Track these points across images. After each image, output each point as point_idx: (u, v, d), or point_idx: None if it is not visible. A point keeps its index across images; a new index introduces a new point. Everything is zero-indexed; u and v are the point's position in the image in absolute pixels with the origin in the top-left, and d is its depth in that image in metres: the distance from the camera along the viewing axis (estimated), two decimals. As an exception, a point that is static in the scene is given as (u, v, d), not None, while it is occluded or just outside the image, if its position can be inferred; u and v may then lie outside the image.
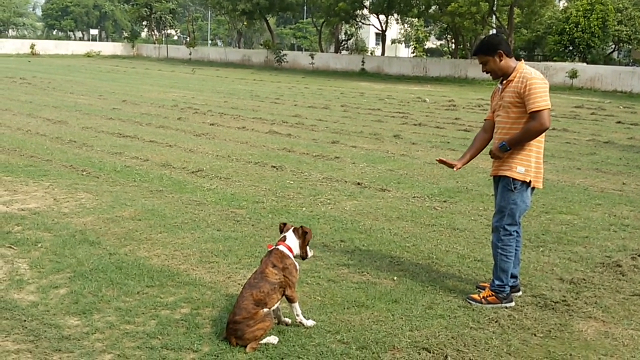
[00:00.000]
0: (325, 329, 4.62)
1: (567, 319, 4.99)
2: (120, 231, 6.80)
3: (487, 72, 5.29)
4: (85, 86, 26.49)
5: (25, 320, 4.60)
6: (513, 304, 5.24)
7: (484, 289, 5.42)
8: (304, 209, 7.98)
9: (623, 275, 5.95)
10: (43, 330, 4.46)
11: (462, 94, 29.35)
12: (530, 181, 5.13)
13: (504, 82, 5.22)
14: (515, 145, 5.09)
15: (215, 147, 12.36)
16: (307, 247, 4.86)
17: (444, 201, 8.61)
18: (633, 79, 33.33)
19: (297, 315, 4.63)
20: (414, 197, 8.80)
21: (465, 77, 40.19)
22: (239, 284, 5.39)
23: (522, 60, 5.25)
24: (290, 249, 4.70)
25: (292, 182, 9.50)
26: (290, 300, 4.59)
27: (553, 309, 5.16)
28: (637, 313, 5.13)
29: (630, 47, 47.58)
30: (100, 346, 4.28)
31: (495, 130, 5.36)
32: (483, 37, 5.43)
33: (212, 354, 4.21)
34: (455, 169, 5.55)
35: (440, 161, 5.55)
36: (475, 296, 5.30)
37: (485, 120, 5.59)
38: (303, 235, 4.79)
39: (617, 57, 50.81)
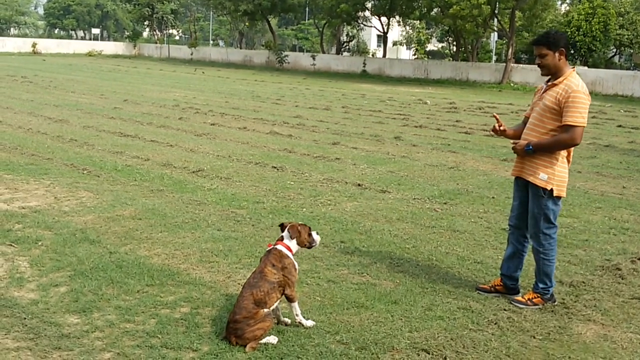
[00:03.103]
0: (325, 329, 4.62)
1: (566, 321, 5.00)
2: (121, 230, 6.81)
3: (540, 66, 5.19)
4: (86, 85, 26.49)
5: (25, 318, 4.61)
6: (556, 303, 5.31)
7: (483, 291, 5.44)
8: (304, 209, 7.99)
9: (622, 279, 5.96)
10: (43, 328, 4.47)
11: (463, 97, 29.35)
12: (552, 189, 5.10)
13: (549, 83, 5.17)
14: (541, 150, 5.10)
15: (216, 147, 12.37)
16: (309, 237, 4.85)
17: (444, 203, 8.62)
18: (634, 83, 33.32)
19: (297, 315, 4.63)
20: (414, 198, 8.81)
21: (467, 80, 40.20)
22: (239, 283, 5.39)
23: (574, 68, 5.18)
24: (288, 248, 4.71)
25: (292, 182, 9.51)
26: (290, 300, 4.60)
27: (552, 311, 5.17)
28: (636, 316, 5.14)
29: (632, 51, 47.62)
30: (100, 344, 4.29)
31: (525, 128, 5.34)
32: (550, 30, 5.35)
33: (212, 353, 4.22)
34: (501, 128, 5.43)
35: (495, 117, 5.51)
36: (520, 298, 5.32)
37: (525, 116, 5.53)
38: (296, 234, 4.79)
39: (619, 61, 50.86)
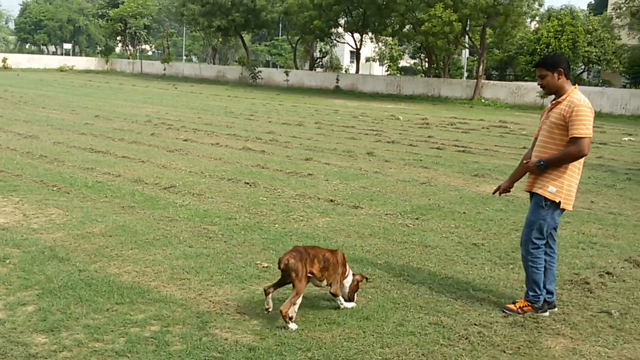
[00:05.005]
0: (296, 346, 4.61)
1: (536, 335, 5.04)
2: (91, 247, 6.74)
3: (541, 86, 5.48)
4: (57, 101, 26.25)
5: (-9, 338, 4.53)
6: (547, 313, 5.43)
7: None
8: (276, 225, 7.98)
9: (591, 293, 6.03)
10: (10, 348, 4.39)
11: (435, 112, 29.62)
12: (559, 202, 5.31)
13: (554, 102, 5.41)
14: (552, 165, 5.32)
15: (188, 163, 12.32)
16: (355, 294, 5.43)
17: (416, 218, 8.67)
18: (602, 99, 33.93)
19: (341, 303, 5.31)
20: (386, 214, 8.84)
21: (439, 96, 40.59)
22: (211, 300, 5.37)
23: (577, 86, 5.42)
24: (346, 276, 5.35)
25: (265, 198, 9.49)
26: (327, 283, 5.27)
27: (522, 325, 5.21)
28: (604, 330, 5.20)
29: (600, 67, 48.41)
30: (68, 364, 4.22)
31: (535, 146, 5.57)
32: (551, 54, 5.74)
33: (182, 371, 4.18)
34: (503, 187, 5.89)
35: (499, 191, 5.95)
36: (512, 306, 5.47)
37: (534, 137, 5.75)
38: (358, 283, 5.43)
39: (587, 77, 51.66)
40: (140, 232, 7.41)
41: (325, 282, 5.24)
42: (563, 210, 5.41)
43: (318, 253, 5.15)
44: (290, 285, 5.02)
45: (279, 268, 4.95)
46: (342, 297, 5.35)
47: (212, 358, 4.36)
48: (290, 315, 4.87)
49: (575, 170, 5.37)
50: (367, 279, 5.59)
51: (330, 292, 5.26)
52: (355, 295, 5.44)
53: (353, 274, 5.45)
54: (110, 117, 20.47)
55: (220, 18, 51.87)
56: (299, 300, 4.95)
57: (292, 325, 4.84)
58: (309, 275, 5.02)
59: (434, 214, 8.98)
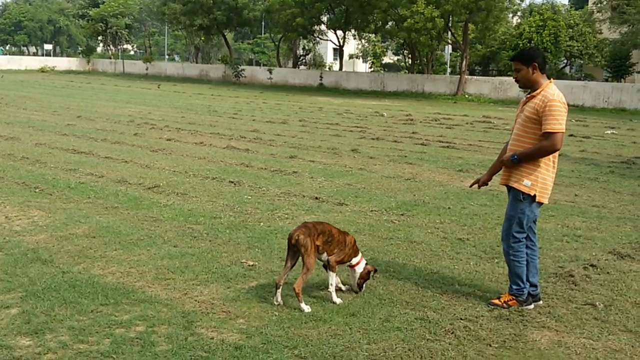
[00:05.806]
0: (283, 344, 4.60)
1: (521, 329, 5.06)
2: (74, 249, 6.68)
3: (516, 80, 5.53)
4: (38, 102, 26.03)
5: (-26, 342, 4.48)
6: (532, 306, 5.48)
7: None
8: (261, 224, 7.96)
9: (575, 285, 6.07)
10: (-7, 351, 4.35)
11: (419, 109, 29.68)
12: (534, 195, 5.35)
13: (528, 95, 5.46)
14: (525, 159, 5.36)
15: (172, 163, 12.26)
16: (364, 284, 5.63)
17: (401, 214, 8.68)
18: (584, 93, 34.15)
19: (331, 284, 5.45)
20: (372, 210, 8.84)
21: (422, 92, 40.66)
22: (196, 300, 5.34)
23: (552, 80, 5.44)
24: (358, 262, 5.59)
25: (250, 197, 9.47)
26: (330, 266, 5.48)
27: (508, 319, 5.23)
28: (589, 322, 5.23)
29: (582, 62, 48.75)
30: (52, 367, 4.18)
31: (510, 139, 5.61)
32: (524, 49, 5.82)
33: (168, 372, 4.15)
34: (482, 181, 5.94)
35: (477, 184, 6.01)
36: (496, 301, 5.51)
37: (512, 129, 5.77)
38: (369, 272, 5.62)
39: (569, 71, 52.00)
40: (124, 232, 7.36)
41: (325, 256, 5.44)
42: (541, 203, 5.45)
43: (325, 228, 5.45)
44: (291, 279, 5.40)
45: (290, 243, 5.27)
46: (353, 287, 5.65)
47: (198, 357, 4.34)
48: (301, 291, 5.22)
49: (549, 164, 5.41)
50: (375, 270, 5.75)
51: (328, 261, 5.45)
52: (364, 285, 5.64)
53: (366, 264, 5.65)
54: (92, 118, 20.33)
55: (202, 16, 51.59)
56: (307, 277, 5.30)
57: (305, 307, 5.12)
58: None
59: (419, 210, 8.99)
